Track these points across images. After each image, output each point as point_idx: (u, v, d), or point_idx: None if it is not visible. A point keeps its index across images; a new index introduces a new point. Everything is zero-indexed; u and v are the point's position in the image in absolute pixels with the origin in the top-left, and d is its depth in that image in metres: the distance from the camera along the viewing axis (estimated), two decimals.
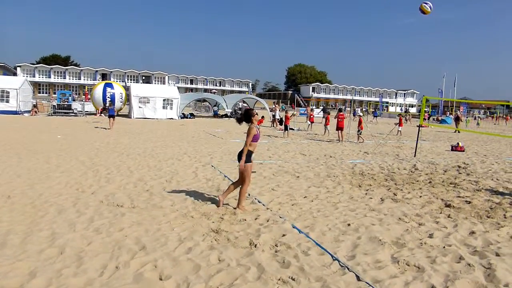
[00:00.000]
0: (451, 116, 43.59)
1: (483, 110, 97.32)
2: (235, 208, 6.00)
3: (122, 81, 77.93)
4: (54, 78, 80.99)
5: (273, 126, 24.65)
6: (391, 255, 4.49)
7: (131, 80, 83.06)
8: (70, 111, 28.08)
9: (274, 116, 25.43)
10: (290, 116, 20.66)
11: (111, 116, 18.79)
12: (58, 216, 5.36)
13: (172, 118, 28.73)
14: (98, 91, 29.03)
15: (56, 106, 28.31)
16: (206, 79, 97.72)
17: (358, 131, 18.03)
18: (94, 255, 4.12)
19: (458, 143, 16.33)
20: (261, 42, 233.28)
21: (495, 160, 13.43)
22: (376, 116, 42.88)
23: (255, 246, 4.56)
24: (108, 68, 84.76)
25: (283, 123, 19.78)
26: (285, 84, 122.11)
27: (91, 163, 9.45)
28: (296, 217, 5.79)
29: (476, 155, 14.56)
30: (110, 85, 29.87)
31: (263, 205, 6.33)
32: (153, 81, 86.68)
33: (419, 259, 4.37)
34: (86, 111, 29.24)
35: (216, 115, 35.08)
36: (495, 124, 53.36)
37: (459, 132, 27.07)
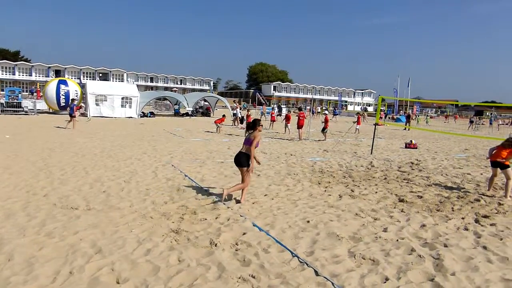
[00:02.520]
0: (405, 115, 45.55)
1: (434, 109, 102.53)
2: (239, 202, 6.39)
3: (77, 78, 74.79)
4: (2, 74, 76.27)
5: (234, 125, 24.65)
6: (348, 250, 4.63)
7: (87, 77, 79.81)
8: (20, 109, 26.56)
9: (235, 115, 25.42)
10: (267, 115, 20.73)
11: (72, 115, 17.87)
12: (6, 221, 5.07)
13: (131, 117, 27.95)
14: (51, 89, 27.64)
15: (5, 104, 26.67)
16: (166, 77, 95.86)
17: (324, 129, 18.43)
18: (46, 261, 3.94)
19: (411, 141, 17.12)
20: (223, 40, 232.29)
21: (445, 156, 14.19)
22: (336, 115, 44.06)
23: (215, 246, 4.55)
24: (62, 65, 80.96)
25: (245, 121, 19.83)
26: (246, 83, 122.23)
27: (44, 164, 9.01)
28: (256, 215, 5.83)
29: (428, 152, 15.32)
30: (64, 82, 28.51)
31: (224, 204, 6.32)
32: (111, 78, 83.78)
33: (374, 253, 4.55)
34: (38, 110, 27.80)
35: (177, 113, 34.52)
36: (445, 122, 56.39)
37: (409, 129, 28.40)
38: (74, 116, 17.95)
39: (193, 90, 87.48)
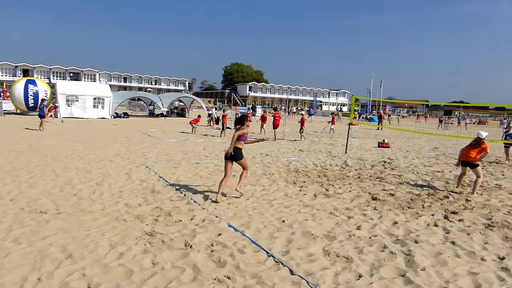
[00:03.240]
0: (377, 114, 46.60)
1: (406, 109, 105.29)
2: (237, 190, 6.79)
3: (47, 78, 72.45)
4: None
5: (210, 126, 24.51)
6: (322, 248, 4.69)
7: (57, 77, 77.43)
8: None
9: (210, 115, 25.28)
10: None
11: (41, 116, 17.25)
12: None
13: (104, 118, 27.32)
14: (18, 89, 26.62)
15: None
16: (140, 77, 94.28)
17: (301, 129, 18.60)
18: (12, 268, 3.79)
19: (384, 140, 17.52)
20: (198, 40, 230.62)
21: (416, 155, 14.60)
22: (312, 115, 44.57)
23: (190, 247, 4.51)
24: (31, 64, 78.22)
25: (220, 122, 19.75)
26: (222, 83, 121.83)
27: (10, 167, 8.67)
28: (232, 215, 5.82)
29: (400, 151, 15.72)
30: (32, 82, 27.52)
31: (199, 205, 6.27)
32: (82, 78, 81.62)
33: (348, 250, 4.62)
34: (4, 110, 26.75)
35: (151, 114, 34.00)
36: (416, 122, 58.00)
37: (381, 129, 29.08)
38: (44, 117, 17.37)
39: (168, 90, 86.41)
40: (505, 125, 13.18)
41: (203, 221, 5.49)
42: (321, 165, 10.90)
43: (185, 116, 34.16)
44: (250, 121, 6.72)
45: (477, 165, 7.98)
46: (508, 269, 4.28)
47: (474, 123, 59.54)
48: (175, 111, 35.88)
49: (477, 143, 7.99)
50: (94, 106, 27.48)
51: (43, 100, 19.66)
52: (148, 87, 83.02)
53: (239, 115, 24.39)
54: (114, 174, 8.39)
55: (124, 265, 3.96)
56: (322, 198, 7.10)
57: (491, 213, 6.61)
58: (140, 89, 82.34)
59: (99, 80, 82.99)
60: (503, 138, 12.93)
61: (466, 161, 8.05)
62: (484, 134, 8.08)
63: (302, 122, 18.88)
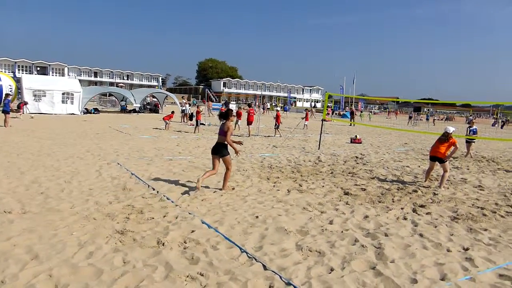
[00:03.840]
0: (349, 111, 47.45)
1: (377, 106, 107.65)
2: (221, 189, 6.98)
3: (11, 72, 69.54)
4: None
5: (183, 122, 24.24)
6: (295, 243, 4.73)
7: (22, 71, 74.44)
8: None
9: (184, 111, 24.99)
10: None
11: (6, 112, 16.48)
12: None
13: (73, 114, 26.50)
14: None
15: None
16: (112, 72, 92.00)
17: (276, 125, 18.67)
18: None
19: (356, 136, 17.86)
20: (172, 35, 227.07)
21: (386, 150, 14.97)
22: (286, 111, 44.88)
23: (163, 245, 4.45)
24: None
25: (194, 118, 19.57)
26: (196, 79, 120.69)
27: None
28: (205, 212, 5.78)
29: (371, 147, 16.07)
30: None
31: (172, 202, 6.20)
32: (50, 72, 78.81)
33: (320, 245, 4.69)
34: None
35: (123, 110, 33.28)
36: (387, 118, 59.40)
37: (353, 125, 29.65)
38: (9, 113, 16.66)
39: (141, 86, 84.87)
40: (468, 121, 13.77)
41: (176, 218, 5.43)
42: (294, 161, 10.99)
43: (158, 112, 33.64)
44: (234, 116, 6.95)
45: (445, 160, 8.26)
46: (472, 259, 4.46)
47: (442, 120, 61.59)
48: (148, 107, 35.27)
49: (446, 137, 8.26)
50: (63, 102, 26.62)
51: (7, 95, 18.85)
52: (120, 82, 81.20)
53: (190, 111, 24.42)
54: (84, 171, 8.16)
55: (93, 265, 3.86)
56: (295, 194, 7.16)
57: (456, 206, 6.87)
58: (111, 84, 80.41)
59: (68, 75, 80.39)
60: (466, 134, 13.42)
61: (436, 156, 8.32)
62: (451, 129, 8.37)
63: (277, 118, 18.98)
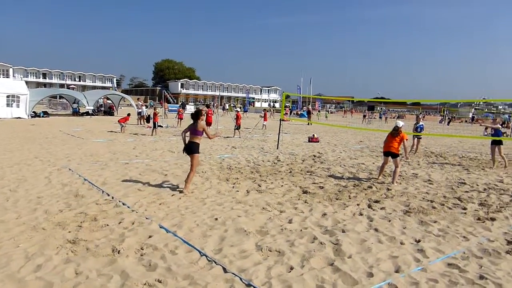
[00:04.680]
0: (306, 110, 48.42)
1: (334, 105, 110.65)
2: (181, 192, 6.94)
3: None
4: None
5: (140, 124, 23.60)
6: (255, 244, 4.73)
7: None
8: None
9: (140, 113, 24.33)
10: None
11: None
12: None
13: (20, 117, 25.01)
14: None
15: None
16: (62, 73, 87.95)
17: (236, 126, 18.61)
18: None
19: (313, 135, 18.22)
20: (127, 35, 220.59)
21: (343, 148, 15.39)
22: (246, 111, 45.04)
23: (118, 253, 4.28)
24: None
25: (152, 120, 19.09)
26: (153, 80, 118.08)
27: None
28: (163, 216, 5.64)
29: (328, 145, 16.46)
30: None
31: (128, 207, 5.99)
32: None
33: (280, 244, 4.72)
34: None
35: (76, 113, 31.85)
36: (343, 117, 61.18)
37: (311, 124, 30.29)
38: None
39: (94, 87, 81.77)
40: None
41: (133, 224, 5.25)
42: (253, 161, 11.02)
43: (113, 115, 32.55)
44: (204, 114, 7.46)
45: (397, 155, 8.62)
46: (423, 251, 4.67)
47: (394, 118, 64.28)
48: (102, 109, 34.00)
49: (396, 132, 8.64)
50: (7, 105, 25.05)
51: None
52: (71, 84, 77.72)
53: (147, 113, 23.92)
54: (31, 178, 7.70)
55: (42, 278, 3.64)
56: (254, 194, 7.17)
57: (408, 200, 7.18)
58: (61, 86, 76.75)
59: (13, 76, 75.84)
60: (413, 131, 14.09)
61: (389, 151, 8.66)
62: (401, 123, 8.81)
63: (237, 118, 18.96)
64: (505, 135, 15.94)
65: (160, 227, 5.16)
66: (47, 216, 5.42)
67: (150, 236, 4.81)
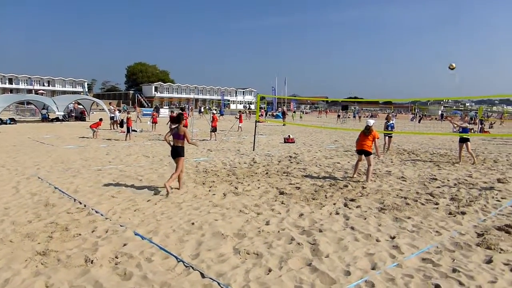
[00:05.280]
0: (280, 111, 48.75)
1: (309, 106, 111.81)
2: (164, 186, 7.10)
3: None
4: None
5: (113, 129, 23.10)
6: (233, 247, 4.69)
7: None
8: None
9: (113, 118, 23.81)
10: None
11: None
12: None
13: None
14: None
15: None
16: (30, 78, 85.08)
17: (213, 129, 18.48)
18: None
19: (289, 136, 18.33)
20: (98, 37, 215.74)
21: (318, 148, 15.55)
22: (222, 114, 44.93)
23: (91, 263, 4.15)
24: None
25: (125, 125, 18.71)
26: (125, 84, 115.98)
27: None
28: (138, 223, 5.52)
29: (304, 145, 16.60)
30: None
31: (102, 215, 5.83)
32: None
33: (258, 246, 4.70)
34: None
35: (45, 119, 30.82)
36: (318, 117, 61.93)
37: (285, 125, 30.50)
38: None
39: (64, 92, 79.50)
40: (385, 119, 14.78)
41: (106, 232, 5.11)
42: (230, 164, 10.97)
43: (85, 120, 31.73)
44: (186, 118, 7.38)
45: (371, 154, 8.78)
46: (399, 247, 4.76)
47: (367, 117, 65.59)
48: (73, 114, 33.07)
49: (368, 131, 8.80)
50: None
51: None
52: (39, 89, 75.19)
53: (120, 117, 23.51)
54: None
55: None
56: (231, 197, 7.12)
57: (383, 197, 7.31)
58: (29, 91, 74.11)
59: None
60: (385, 129, 14.35)
61: (362, 149, 8.81)
62: (371, 121, 9.01)
63: (214, 121, 18.86)
64: (472, 131, 16.51)
65: (135, 234, 5.04)
66: (14, 227, 5.20)
67: (124, 244, 4.68)
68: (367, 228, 5.49)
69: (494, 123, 41.31)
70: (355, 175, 9.20)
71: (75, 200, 6.66)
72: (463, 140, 12.00)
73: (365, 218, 5.94)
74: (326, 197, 7.24)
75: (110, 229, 5.19)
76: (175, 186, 7.62)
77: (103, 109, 35.35)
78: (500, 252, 4.64)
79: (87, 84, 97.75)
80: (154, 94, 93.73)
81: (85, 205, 6.32)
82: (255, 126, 15.30)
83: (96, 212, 5.98)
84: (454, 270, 4.13)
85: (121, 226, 5.35)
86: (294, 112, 60.02)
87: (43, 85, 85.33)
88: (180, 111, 19.27)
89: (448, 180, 9.14)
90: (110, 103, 32.73)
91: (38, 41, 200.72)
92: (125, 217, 5.78)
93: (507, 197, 7.52)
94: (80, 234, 4.98)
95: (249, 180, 8.72)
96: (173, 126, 7.51)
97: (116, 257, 4.31)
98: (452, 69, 12.95)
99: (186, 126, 17.60)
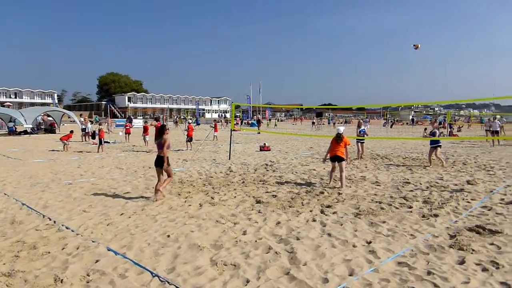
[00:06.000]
0: (255, 119, 48.90)
1: (284, 113, 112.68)
2: (158, 190, 7.59)
3: None
4: None
5: (85, 141, 22.51)
6: (210, 259, 4.60)
7: None
8: None
9: (84, 129, 23.21)
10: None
11: None
12: None
13: None
14: None
15: None
16: None
17: (188, 138, 18.28)
18: None
19: (264, 143, 18.36)
20: (67, 47, 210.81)
21: (294, 155, 15.64)
22: (199, 124, 44.68)
23: (61, 282, 3.97)
24: None
25: (97, 136, 18.27)
26: (97, 94, 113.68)
27: None
28: (111, 238, 5.34)
29: (280, 153, 16.66)
30: None
31: (72, 231, 5.62)
32: None
33: (235, 257, 4.63)
34: None
35: (12, 132, 29.72)
36: (293, 124, 62.49)
37: (259, 133, 30.61)
38: None
39: (33, 104, 76.93)
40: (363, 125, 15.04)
41: (77, 248, 4.92)
42: (205, 174, 10.86)
43: (55, 132, 30.82)
44: (168, 130, 8.11)
45: (343, 160, 8.90)
46: (375, 252, 4.80)
47: (341, 123, 66.68)
48: (42, 127, 32.06)
49: (339, 138, 8.94)
50: None
51: None
52: (5, 101, 72.60)
53: (92, 129, 23.02)
54: None
55: None
56: (207, 207, 7.03)
57: (358, 202, 7.40)
58: None
59: None
60: (357, 135, 14.58)
61: (336, 155, 8.91)
62: (342, 129, 9.20)
63: (190, 130, 18.71)
64: (442, 134, 17.07)
65: (108, 250, 4.87)
66: None
67: (97, 261, 4.52)
68: (343, 234, 5.52)
69: (462, 126, 42.80)
70: (331, 182, 9.27)
71: (44, 216, 6.40)
72: (434, 146, 12.32)
73: (342, 224, 5.97)
74: (302, 204, 7.25)
75: (81, 245, 5.00)
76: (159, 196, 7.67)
77: (74, 121, 34.44)
78: (472, 253, 4.76)
79: (57, 95, 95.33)
80: (127, 104, 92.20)
81: (54, 221, 6.08)
82: (230, 135, 15.25)
83: (67, 228, 5.76)
84: (429, 273, 4.20)
85: (93, 241, 5.16)
86: (269, 120, 60.36)
87: (10, 97, 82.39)
88: (154, 121, 19.04)
89: (421, 184, 9.36)
90: (81, 115, 31.90)
91: (3, 50, 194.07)
92: (97, 232, 5.59)
93: (477, 198, 7.75)
94: (49, 252, 4.77)
95: (225, 189, 8.64)
96: (158, 137, 7.66)
97: (88, 275, 4.15)
98: (416, 48, 13.50)
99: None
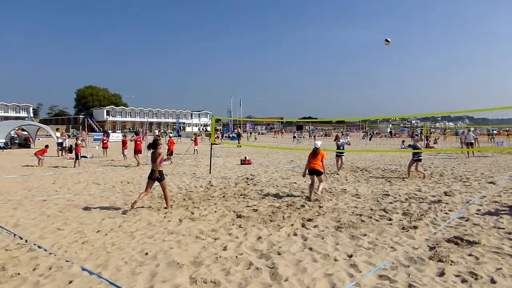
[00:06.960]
0: (235, 133, 48.92)
1: (264, 126, 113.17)
2: (165, 208, 7.97)
3: None
4: None
5: (61, 156, 21.94)
6: (189, 276, 4.48)
7: None
8: None
9: (61, 144, 22.64)
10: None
11: None
12: None
13: None
14: None
15: None
16: None
17: (169, 152, 18.05)
18: None
19: (245, 157, 18.31)
20: (44, 60, 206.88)
21: (275, 169, 15.62)
22: (180, 136, 44.38)
23: None
24: None
25: (74, 151, 17.81)
26: (75, 108, 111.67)
27: None
28: (86, 257, 5.14)
29: (261, 166, 16.62)
30: None
31: (45, 250, 5.39)
32: None
33: (215, 274, 4.52)
34: None
35: None
36: (274, 137, 62.73)
37: (240, 146, 30.57)
38: None
39: (6, 118, 74.85)
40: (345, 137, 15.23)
41: (50, 269, 4.70)
42: (185, 188, 10.70)
43: (30, 147, 29.95)
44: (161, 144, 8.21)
45: (322, 173, 8.95)
46: (356, 265, 4.77)
47: (321, 136, 67.43)
48: (16, 141, 31.10)
49: (315, 152, 9.02)
50: None
51: None
52: None
53: (69, 143, 22.48)
54: None
55: None
56: (187, 223, 6.89)
57: (339, 215, 7.40)
58: None
59: None
60: (337, 149, 14.68)
61: (314, 169, 8.95)
62: (319, 143, 9.30)
63: (170, 144, 18.54)
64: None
65: (83, 269, 4.68)
66: None
67: (70, 281, 4.32)
68: (325, 248, 5.48)
69: (438, 138, 43.87)
70: (312, 196, 9.26)
71: (15, 235, 6.13)
72: (416, 159, 12.53)
73: (323, 238, 5.94)
74: (283, 218, 7.19)
75: (54, 266, 4.79)
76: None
77: (50, 135, 33.58)
78: (451, 264, 4.79)
79: (33, 109, 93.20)
80: (106, 118, 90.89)
81: (26, 240, 5.83)
82: (211, 149, 15.14)
83: (39, 247, 5.52)
84: (410, 286, 4.19)
85: (66, 261, 4.96)
86: (250, 133, 60.46)
87: None
88: (134, 135, 18.74)
89: (400, 195, 9.47)
90: (57, 129, 31.06)
91: None
92: (71, 251, 5.37)
93: (454, 209, 7.88)
94: (19, 274, 4.54)
95: (205, 204, 8.51)
96: (151, 151, 7.95)
97: None
98: (387, 44, 13.92)
99: (139, 150, 17.18)
